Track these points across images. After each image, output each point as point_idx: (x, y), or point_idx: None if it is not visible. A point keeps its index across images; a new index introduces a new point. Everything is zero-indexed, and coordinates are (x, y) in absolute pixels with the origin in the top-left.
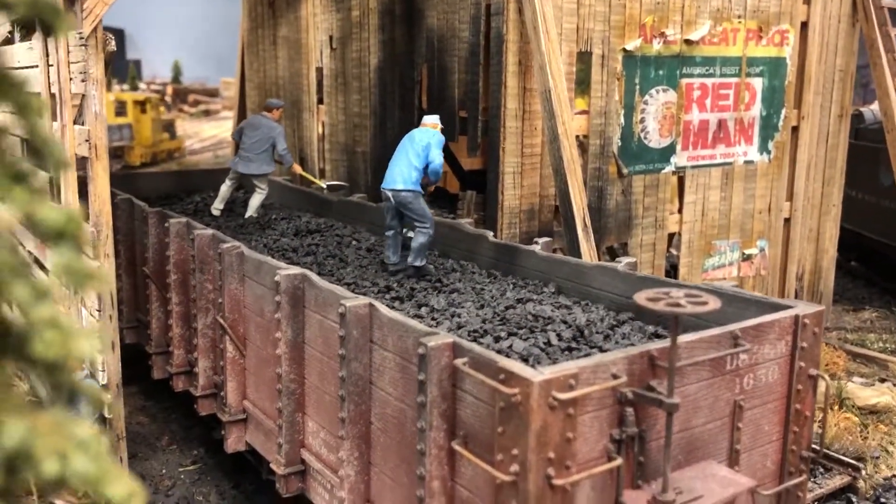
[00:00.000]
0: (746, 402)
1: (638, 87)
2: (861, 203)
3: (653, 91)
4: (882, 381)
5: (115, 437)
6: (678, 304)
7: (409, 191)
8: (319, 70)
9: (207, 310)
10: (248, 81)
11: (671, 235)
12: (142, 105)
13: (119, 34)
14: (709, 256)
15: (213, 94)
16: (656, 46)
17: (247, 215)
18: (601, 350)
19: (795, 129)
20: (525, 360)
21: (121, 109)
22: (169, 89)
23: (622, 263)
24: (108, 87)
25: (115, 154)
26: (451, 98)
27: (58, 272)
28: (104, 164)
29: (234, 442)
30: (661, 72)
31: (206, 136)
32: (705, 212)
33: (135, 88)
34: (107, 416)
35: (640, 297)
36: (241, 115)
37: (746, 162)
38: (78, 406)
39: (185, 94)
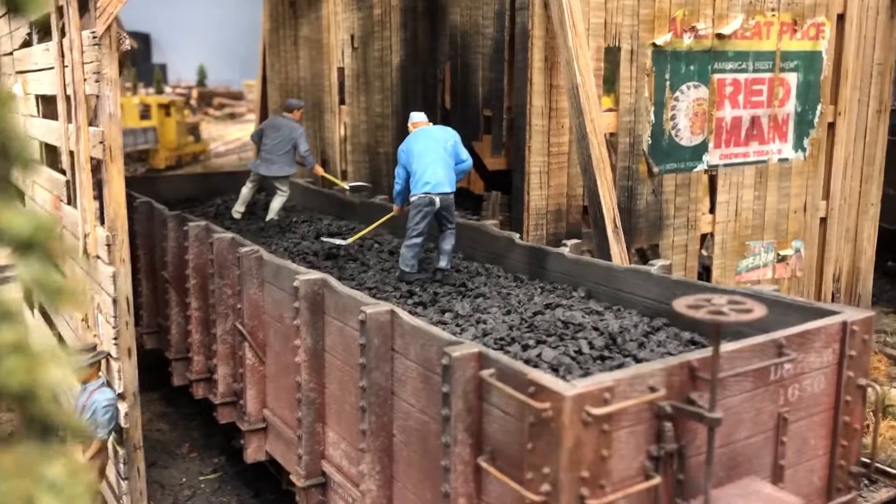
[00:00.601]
0: (791, 415)
1: (668, 82)
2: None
3: (683, 87)
4: None
5: (132, 448)
6: (721, 312)
7: (454, 193)
8: (341, 70)
9: (227, 315)
10: (269, 83)
11: (703, 236)
12: (166, 108)
13: (145, 38)
14: (742, 258)
15: (237, 97)
16: (687, 41)
17: (267, 218)
18: (636, 359)
19: (832, 126)
20: (555, 369)
21: (145, 113)
22: (194, 92)
23: (656, 266)
24: (134, 91)
25: (140, 157)
26: (475, 96)
27: (27, 286)
28: (119, 166)
29: (253, 452)
30: (692, 67)
31: (231, 139)
32: (739, 212)
33: (160, 92)
34: (123, 425)
35: (680, 305)
36: (263, 117)
37: (781, 160)
38: (95, 416)
39: (209, 98)
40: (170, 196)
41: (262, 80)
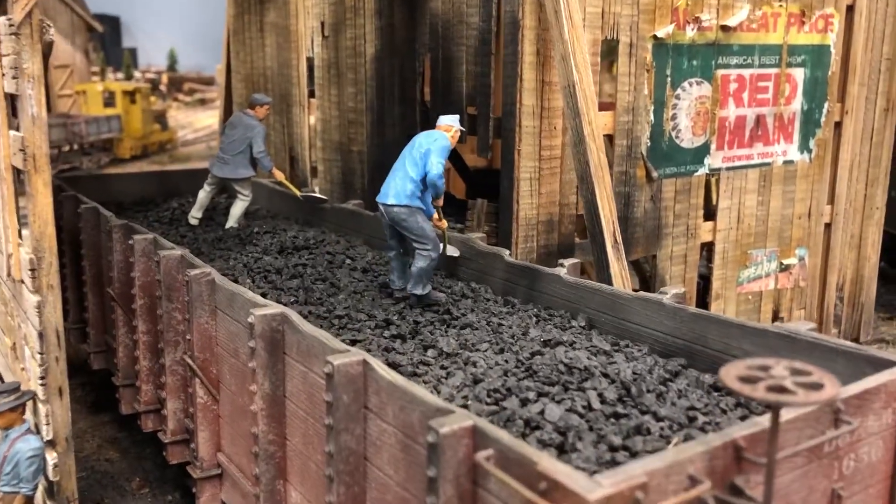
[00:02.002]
0: (846, 490)
1: (669, 79)
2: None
3: (685, 84)
4: None
5: (65, 501)
6: (784, 389)
7: (403, 206)
8: (310, 60)
9: (176, 343)
10: (234, 73)
11: (703, 245)
12: (131, 95)
13: (114, 22)
14: (744, 268)
15: (208, 82)
16: (690, 33)
17: (227, 226)
18: (655, 417)
19: (838, 125)
20: (563, 433)
21: (109, 100)
22: (164, 77)
23: (668, 295)
24: (103, 76)
25: (104, 147)
26: (459, 93)
27: None
28: (45, 177)
29: (207, 501)
30: (694, 62)
31: (201, 126)
32: (741, 218)
33: (130, 77)
34: (52, 478)
35: (730, 377)
36: (227, 110)
37: (786, 162)
38: (18, 469)
39: (180, 83)
40: (124, 196)
41: (227, 69)
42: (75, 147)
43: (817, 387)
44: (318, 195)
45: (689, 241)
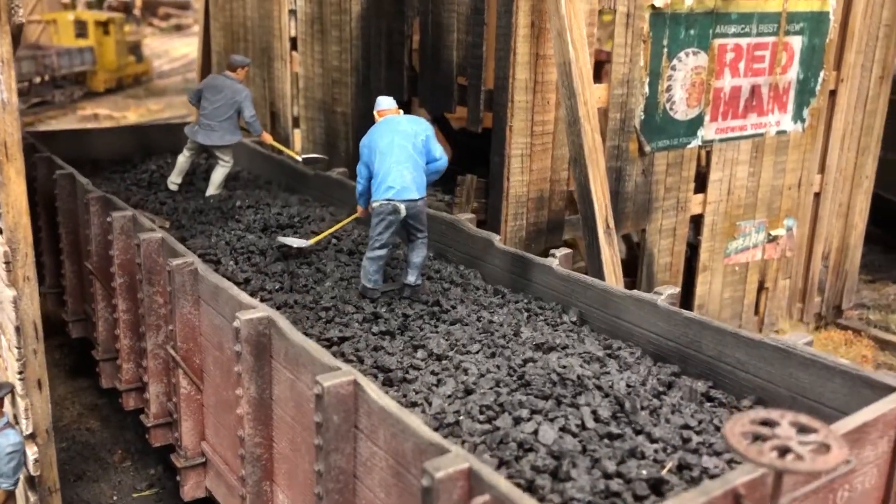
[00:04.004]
0: None
1: (666, 50)
2: (884, 163)
3: (681, 54)
4: None
5: (46, 492)
6: (789, 451)
7: (424, 199)
8: (293, 13)
9: (158, 327)
10: (212, 20)
11: (693, 217)
12: (104, 26)
13: None
14: (732, 239)
15: (184, 6)
16: (688, 2)
17: (208, 193)
18: (650, 438)
19: (833, 94)
20: (557, 458)
21: (81, 31)
22: (138, 1)
23: (663, 296)
24: (71, 6)
25: (77, 80)
26: (449, 61)
27: None
28: (17, 166)
29: (191, 489)
30: (692, 31)
31: (177, 55)
32: (731, 190)
33: (100, 4)
34: (33, 473)
35: (733, 436)
36: (206, 61)
37: (779, 132)
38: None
39: (155, 7)
40: (100, 153)
41: (205, 15)
42: (46, 79)
43: (824, 448)
44: (315, 155)
45: (679, 215)
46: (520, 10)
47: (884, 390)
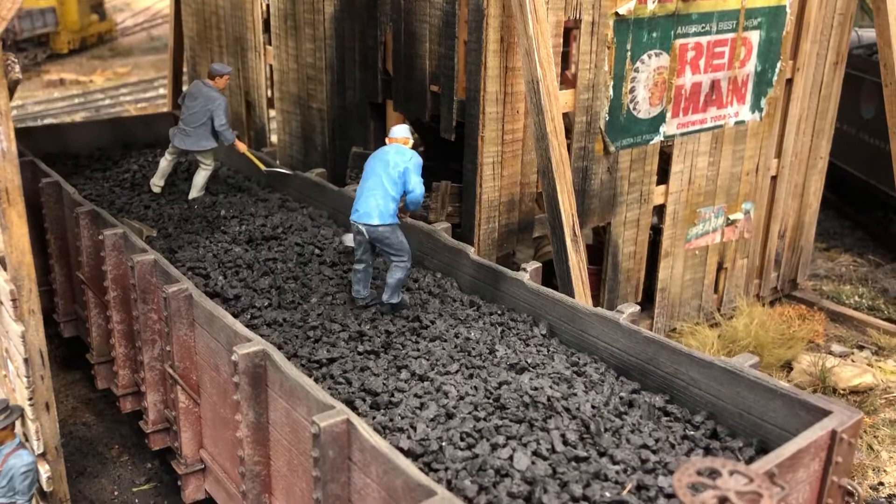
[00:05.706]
0: None
1: (629, 53)
2: (839, 134)
3: (644, 57)
4: (860, 348)
5: (58, 502)
6: (727, 500)
7: (386, 225)
8: (266, 7)
9: (154, 342)
10: (184, 6)
11: (656, 207)
12: None
13: None
14: (693, 226)
15: None
16: (651, 6)
17: (191, 196)
18: (612, 460)
19: (790, 82)
20: (529, 483)
21: None
22: None
23: (624, 315)
24: None
25: (39, 42)
26: (422, 70)
27: None
28: (19, 209)
29: (192, 492)
30: (654, 34)
31: (139, 8)
32: (692, 180)
33: None
34: (46, 489)
35: (681, 486)
36: (178, 49)
37: (737, 123)
38: (13, 483)
39: None
40: (80, 147)
41: (176, 1)
42: (9, 44)
43: (757, 497)
44: (283, 170)
45: (643, 206)
46: (490, 26)
47: (818, 413)
